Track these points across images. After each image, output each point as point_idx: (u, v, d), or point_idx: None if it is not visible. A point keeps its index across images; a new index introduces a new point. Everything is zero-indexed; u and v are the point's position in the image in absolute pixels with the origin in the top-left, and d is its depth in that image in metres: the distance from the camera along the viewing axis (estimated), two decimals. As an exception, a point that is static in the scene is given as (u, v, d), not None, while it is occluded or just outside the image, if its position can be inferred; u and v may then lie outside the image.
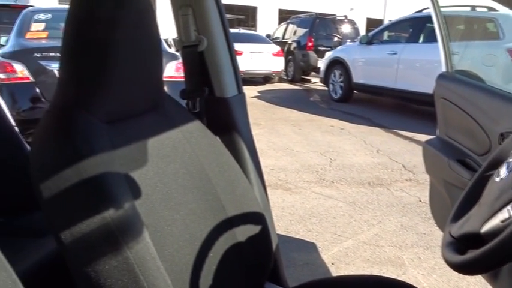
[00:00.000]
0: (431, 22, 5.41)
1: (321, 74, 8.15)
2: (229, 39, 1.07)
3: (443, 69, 1.64)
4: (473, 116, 1.38)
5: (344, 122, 5.86)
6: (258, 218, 1.01)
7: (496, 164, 0.71)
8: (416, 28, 6.40)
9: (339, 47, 8.33)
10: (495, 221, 0.58)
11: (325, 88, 8.28)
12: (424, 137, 4.74)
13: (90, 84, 0.70)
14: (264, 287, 1.06)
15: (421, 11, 6.40)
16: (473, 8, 4.18)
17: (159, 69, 0.85)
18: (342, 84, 7.47)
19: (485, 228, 0.60)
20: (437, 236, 2.49)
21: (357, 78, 7.11)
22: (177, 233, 0.80)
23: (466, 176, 1.36)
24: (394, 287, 1.00)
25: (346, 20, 10.88)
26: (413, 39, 6.38)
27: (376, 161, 4.08)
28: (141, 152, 0.80)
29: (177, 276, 0.77)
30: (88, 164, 0.65)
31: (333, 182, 3.48)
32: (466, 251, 0.62)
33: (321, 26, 10.40)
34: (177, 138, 0.90)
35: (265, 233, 1.02)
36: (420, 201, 3.09)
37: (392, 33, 7.44)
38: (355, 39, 9.64)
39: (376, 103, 7.40)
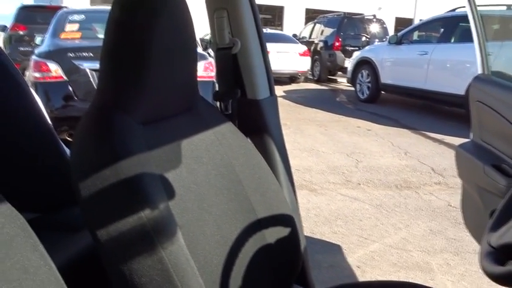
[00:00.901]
0: (464, 22, 5.27)
1: (348, 74, 8.06)
2: (263, 42, 1.08)
3: (479, 70, 1.60)
4: (510, 120, 1.34)
5: (371, 123, 5.78)
6: (287, 220, 1.01)
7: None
8: (448, 28, 6.24)
9: (367, 47, 8.21)
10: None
11: (352, 88, 8.19)
12: (454, 140, 4.64)
13: (127, 86, 0.72)
14: (291, 289, 1.06)
15: (453, 10, 6.24)
16: (509, 7, 4.05)
17: (194, 72, 0.86)
18: (369, 84, 7.37)
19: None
20: (467, 242, 2.42)
21: (385, 78, 7.00)
22: (208, 233, 0.81)
23: (502, 183, 1.32)
24: None
25: (374, 20, 10.72)
26: (444, 39, 6.23)
27: (404, 164, 4.01)
28: (175, 153, 0.81)
29: (208, 276, 0.78)
30: (125, 165, 0.66)
31: (359, 183, 3.44)
32: (507, 262, 0.61)
33: (348, 26, 10.29)
34: (210, 140, 0.91)
35: (294, 235, 1.02)
36: (450, 205, 3.01)
37: (423, 33, 7.29)
38: (384, 39, 9.48)
39: (404, 104, 7.26)
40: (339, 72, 10.49)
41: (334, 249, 2.35)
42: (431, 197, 3.19)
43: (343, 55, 9.79)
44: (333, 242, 2.44)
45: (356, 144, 4.72)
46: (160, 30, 0.71)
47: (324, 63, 10.29)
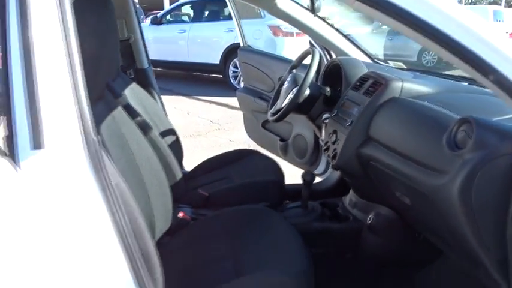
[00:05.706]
0: (210, 4, 6.79)
1: (117, 54, 8.54)
2: (143, 35, 1.83)
3: (241, 43, 2.68)
4: (263, 71, 2.47)
5: (151, 95, 6.63)
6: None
7: (281, 84, 1.75)
8: (197, 9, 7.56)
9: (130, 27, 8.85)
10: (286, 101, 1.61)
11: (123, 66, 8.75)
12: (218, 99, 5.98)
13: None
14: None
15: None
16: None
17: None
18: (139, 61, 8.11)
19: (283, 104, 1.62)
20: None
21: (154, 55, 7.85)
22: None
23: (263, 104, 2.45)
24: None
25: (127, 0, 11.33)
26: (197, 19, 7.53)
27: (190, 120, 5.09)
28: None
29: None
30: None
31: (163, 139, 4.32)
32: (276, 114, 1.64)
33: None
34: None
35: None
36: (230, 140, 4.25)
37: (180, 13, 8.40)
38: (141, 19, 10.27)
39: (173, 76, 8.36)
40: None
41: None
42: (216, 138, 4.37)
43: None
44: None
45: (146, 112, 5.51)
46: None
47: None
